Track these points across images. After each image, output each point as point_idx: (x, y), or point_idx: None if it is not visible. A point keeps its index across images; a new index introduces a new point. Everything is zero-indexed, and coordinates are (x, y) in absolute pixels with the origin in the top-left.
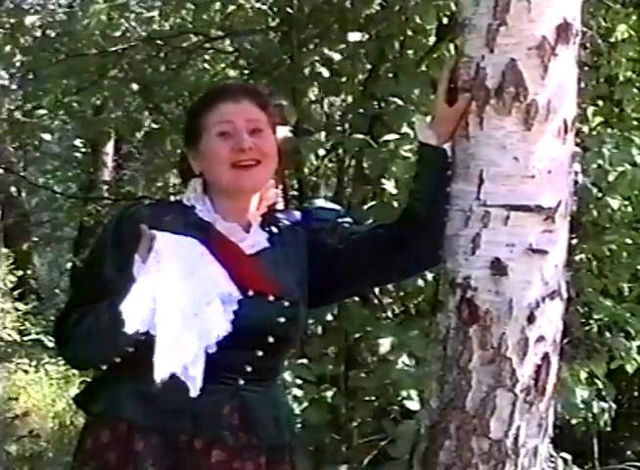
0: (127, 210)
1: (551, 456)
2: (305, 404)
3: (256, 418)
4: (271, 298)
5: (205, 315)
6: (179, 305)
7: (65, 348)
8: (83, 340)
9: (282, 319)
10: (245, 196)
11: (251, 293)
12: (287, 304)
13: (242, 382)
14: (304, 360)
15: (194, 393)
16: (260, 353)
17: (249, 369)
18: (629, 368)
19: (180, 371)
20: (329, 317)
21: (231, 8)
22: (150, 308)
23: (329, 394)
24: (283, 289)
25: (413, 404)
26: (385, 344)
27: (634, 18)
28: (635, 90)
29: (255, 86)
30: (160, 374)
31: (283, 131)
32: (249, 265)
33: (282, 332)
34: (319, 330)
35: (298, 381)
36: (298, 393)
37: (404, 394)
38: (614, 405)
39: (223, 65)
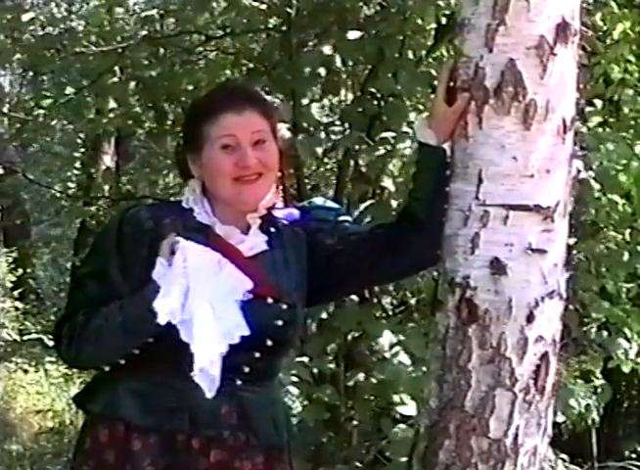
0: (128, 211)
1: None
2: (302, 403)
3: (254, 418)
4: (270, 300)
5: (230, 314)
6: (210, 301)
7: (67, 348)
8: (90, 341)
9: (280, 322)
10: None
11: (249, 296)
12: (285, 306)
13: (239, 382)
14: (304, 359)
15: (209, 394)
16: (258, 355)
17: (246, 370)
18: (625, 369)
19: (200, 371)
20: (324, 316)
21: (231, 8)
22: (181, 303)
23: (327, 392)
24: (281, 291)
25: (406, 410)
26: (383, 342)
27: (631, 19)
28: (631, 91)
29: (256, 90)
30: (200, 363)
31: (282, 130)
32: (247, 268)
33: (280, 335)
34: (316, 329)
35: (295, 379)
36: (296, 391)
37: (397, 399)
38: (601, 403)
39: (224, 64)
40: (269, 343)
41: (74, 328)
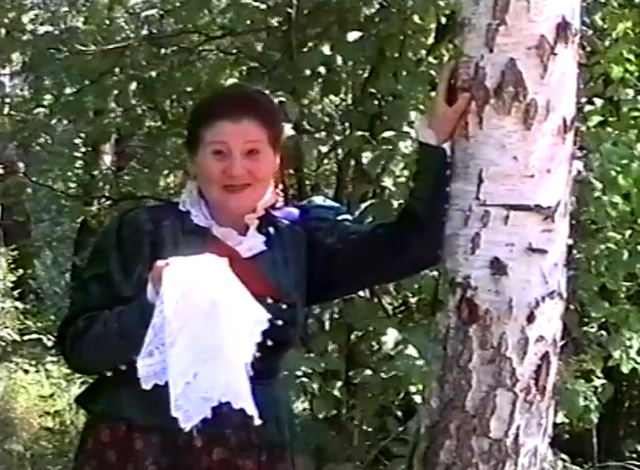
0: (127, 214)
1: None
2: (310, 398)
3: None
4: (269, 301)
5: (229, 350)
6: (195, 349)
7: (70, 351)
8: (90, 348)
9: (280, 322)
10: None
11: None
12: (284, 306)
13: None
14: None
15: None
16: (259, 355)
17: None
18: (624, 368)
19: (210, 414)
20: (328, 316)
21: (231, 7)
22: (162, 360)
23: (337, 385)
24: (280, 291)
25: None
26: (388, 341)
27: (631, 19)
28: (631, 90)
29: (260, 98)
30: (187, 425)
31: (286, 129)
32: (246, 269)
33: (280, 335)
34: (323, 326)
35: (303, 373)
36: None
37: (413, 389)
38: (602, 402)
39: (224, 64)
40: (269, 343)
41: (76, 333)
